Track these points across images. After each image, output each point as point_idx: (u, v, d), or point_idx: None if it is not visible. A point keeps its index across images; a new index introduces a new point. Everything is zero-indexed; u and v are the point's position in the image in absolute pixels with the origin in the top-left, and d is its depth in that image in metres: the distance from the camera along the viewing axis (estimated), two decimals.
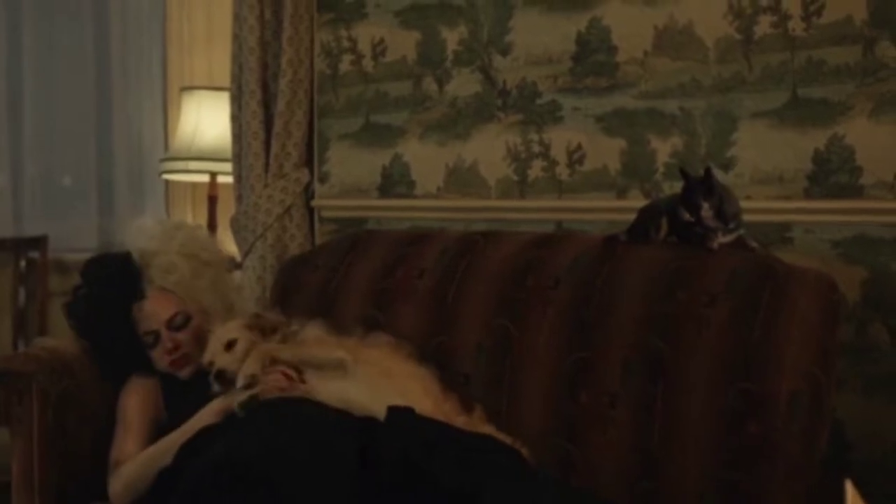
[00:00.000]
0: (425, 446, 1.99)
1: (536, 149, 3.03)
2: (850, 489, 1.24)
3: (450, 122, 3.19)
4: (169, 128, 4.27)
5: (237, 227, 3.44)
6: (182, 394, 2.46)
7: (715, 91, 2.74)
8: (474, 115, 3.14)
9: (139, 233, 2.65)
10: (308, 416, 2.12)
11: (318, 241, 3.40)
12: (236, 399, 2.21)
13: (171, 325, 2.51)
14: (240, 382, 2.29)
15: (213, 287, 2.64)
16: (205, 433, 2.17)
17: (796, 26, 2.63)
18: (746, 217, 2.39)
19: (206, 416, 2.26)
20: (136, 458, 2.34)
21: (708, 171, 2.31)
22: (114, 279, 2.56)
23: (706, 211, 2.29)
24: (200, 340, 2.48)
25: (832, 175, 2.60)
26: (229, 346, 2.37)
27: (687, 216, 2.31)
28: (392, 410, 2.09)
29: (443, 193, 3.21)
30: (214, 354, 2.37)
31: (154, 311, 2.52)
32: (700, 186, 2.30)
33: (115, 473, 2.35)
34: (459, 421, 2.25)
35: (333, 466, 1.95)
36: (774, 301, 2.17)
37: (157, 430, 2.42)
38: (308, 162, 3.43)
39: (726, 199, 2.32)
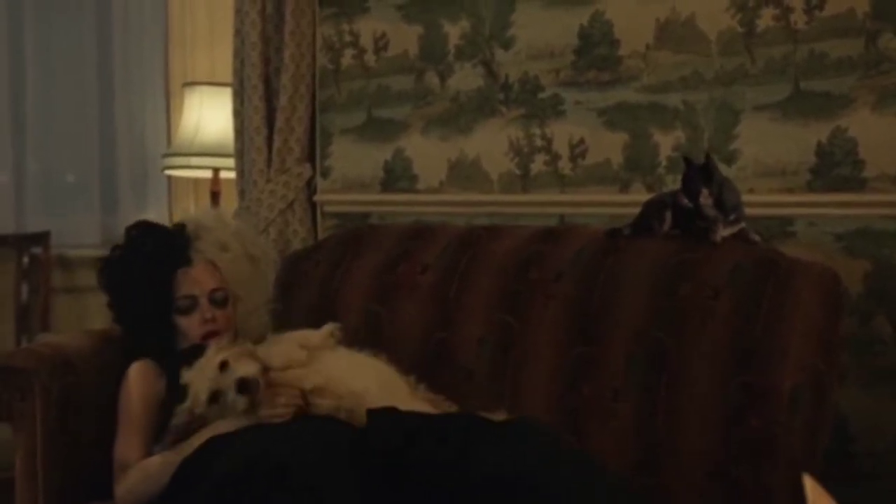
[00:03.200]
0: (407, 434, 2.03)
1: (539, 143, 3.03)
2: (809, 483, 1.20)
3: (452, 116, 3.18)
4: (171, 124, 4.25)
5: None
6: None
7: (717, 84, 2.74)
8: (476, 109, 3.14)
9: (192, 214, 2.67)
10: (309, 418, 2.17)
11: (321, 235, 3.40)
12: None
13: (213, 298, 2.49)
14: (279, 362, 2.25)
15: (251, 282, 2.67)
16: (214, 442, 2.14)
17: (798, 19, 2.63)
18: (749, 210, 2.38)
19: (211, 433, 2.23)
20: (145, 466, 2.26)
21: (708, 157, 2.31)
22: (162, 238, 2.56)
23: (705, 198, 2.28)
24: (230, 327, 2.49)
25: (835, 168, 2.59)
26: (223, 366, 2.20)
27: (685, 201, 2.31)
28: (372, 412, 2.12)
29: (445, 188, 3.21)
30: (216, 380, 2.20)
31: (200, 278, 2.50)
32: (700, 173, 2.29)
33: (122, 477, 2.28)
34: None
35: (342, 460, 1.99)
36: (777, 294, 2.17)
37: (161, 415, 2.37)
38: (310, 157, 3.44)
39: (726, 188, 2.31)
